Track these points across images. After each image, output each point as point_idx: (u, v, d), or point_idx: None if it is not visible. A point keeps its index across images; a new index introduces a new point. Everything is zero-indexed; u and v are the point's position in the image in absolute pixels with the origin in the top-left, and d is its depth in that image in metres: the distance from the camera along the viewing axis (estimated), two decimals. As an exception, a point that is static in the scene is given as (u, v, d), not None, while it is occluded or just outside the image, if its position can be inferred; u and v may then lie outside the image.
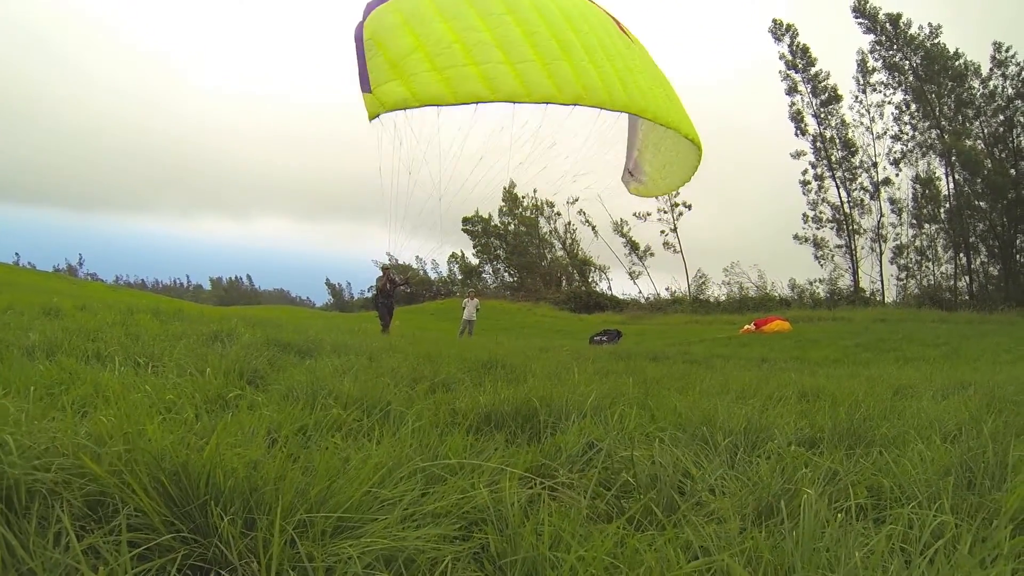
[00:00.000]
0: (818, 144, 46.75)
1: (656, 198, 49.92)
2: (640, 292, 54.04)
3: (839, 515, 2.35)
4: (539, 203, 61.72)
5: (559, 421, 3.91)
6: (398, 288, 18.62)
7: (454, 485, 2.56)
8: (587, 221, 57.51)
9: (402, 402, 4.19)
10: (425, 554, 2.08)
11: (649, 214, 53.29)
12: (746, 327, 27.47)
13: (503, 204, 62.23)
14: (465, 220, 60.71)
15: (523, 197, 61.92)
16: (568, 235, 60.36)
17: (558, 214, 60.87)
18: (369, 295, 62.37)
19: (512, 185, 60.79)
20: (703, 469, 3.10)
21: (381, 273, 19.57)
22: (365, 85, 5.89)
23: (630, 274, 55.43)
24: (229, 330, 7.88)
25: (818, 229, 47.15)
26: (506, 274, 63.97)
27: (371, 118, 5.91)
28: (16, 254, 74.58)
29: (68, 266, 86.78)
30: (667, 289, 52.52)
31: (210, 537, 2.01)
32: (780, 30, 46.80)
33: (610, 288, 55.90)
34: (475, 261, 64.91)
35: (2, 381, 3.67)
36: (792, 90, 47.05)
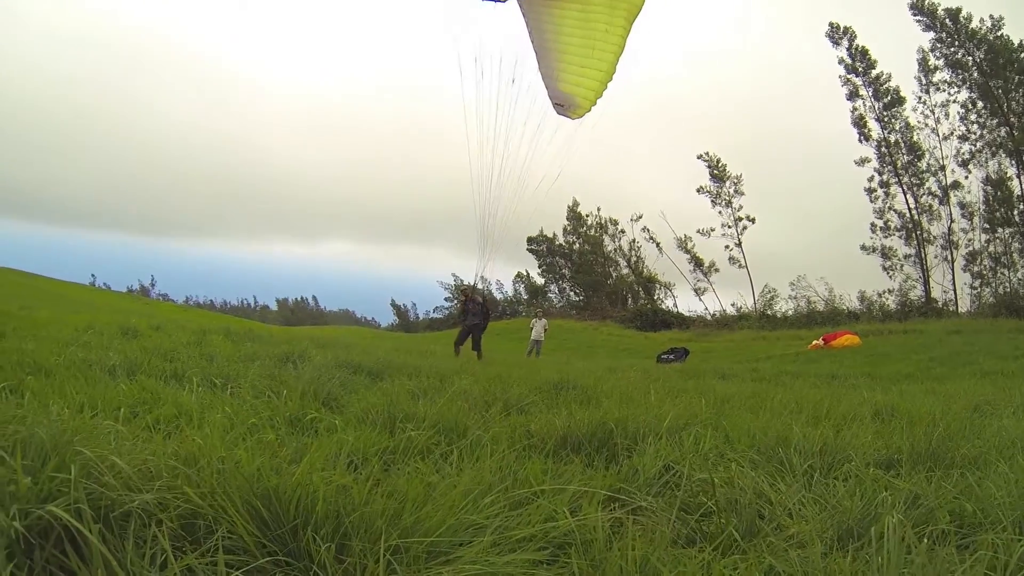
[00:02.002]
0: (882, 149, 45.10)
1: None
2: (706, 308, 52.97)
3: (924, 540, 2.28)
4: (603, 221, 61.72)
5: (634, 443, 3.90)
6: (483, 310, 17.30)
7: (539, 510, 2.55)
8: (651, 238, 57.13)
9: (478, 425, 4.24)
10: (517, 579, 2.08)
11: (713, 230, 52.38)
12: (815, 342, 26.56)
13: (567, 223, 62.57)
14: (530, 240, 61.29)
15: (587, 215, 62.07)
16: (633, 252, 59.97)
17: (622, 232, 60.69)
18: (435, 315, 63.83)
19: (576, 204, 61.17)
20: (781, 492, 3.06)
21: (462, 295, 18.66)
22: None
23: (695, 290, 54.55)
24: (300, 351, 8.08)
25: (886, 238, 45.36)
26: (572, 293, 63.99)
27: None
28: (92, 275, 77.76)
29: (141, 286, 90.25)
30: (733, 305, 51.31)
31: (303, 560, 2.06)
32: (837, 34, 45.60)
33: (676, 305, 55.10)
34: (540, 280, 65.25)
35: (89, 400, 3.83)
36: (853, 95, 45.60)
